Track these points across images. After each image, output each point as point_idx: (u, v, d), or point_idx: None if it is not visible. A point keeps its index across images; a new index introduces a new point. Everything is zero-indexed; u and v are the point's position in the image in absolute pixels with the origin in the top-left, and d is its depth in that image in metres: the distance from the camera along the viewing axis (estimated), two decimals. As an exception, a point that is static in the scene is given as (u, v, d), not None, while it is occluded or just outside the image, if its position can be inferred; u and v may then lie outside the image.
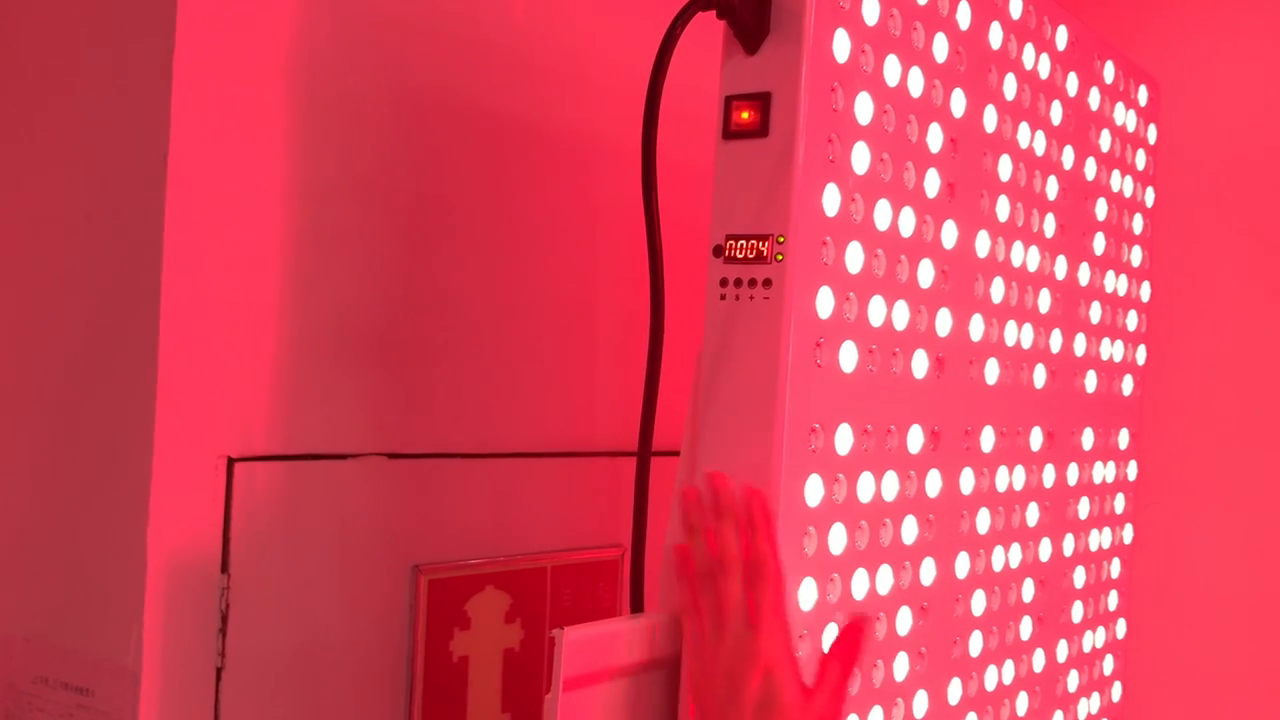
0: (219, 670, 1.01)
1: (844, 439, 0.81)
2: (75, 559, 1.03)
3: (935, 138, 0.89)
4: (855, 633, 0.75)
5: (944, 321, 0.92)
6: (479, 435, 1.21)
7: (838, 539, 0.81)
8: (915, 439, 0.89)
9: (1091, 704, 1.21)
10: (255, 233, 1.03)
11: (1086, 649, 1.19)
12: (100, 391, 1.02)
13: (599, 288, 1.33)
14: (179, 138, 0.97)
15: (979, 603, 0.99)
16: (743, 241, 0.77)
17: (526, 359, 1.26)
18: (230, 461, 1.01)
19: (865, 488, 0.84)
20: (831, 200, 0.78)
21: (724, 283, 0.78)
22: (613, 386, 1.35)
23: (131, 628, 0.97)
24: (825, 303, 0.78)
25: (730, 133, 0.78)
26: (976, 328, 0.96)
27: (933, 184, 0.89)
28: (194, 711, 1.00)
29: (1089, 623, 1.19)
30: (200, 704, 1.00)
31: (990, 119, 0.96)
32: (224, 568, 1.01)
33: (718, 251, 0.78)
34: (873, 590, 0.85)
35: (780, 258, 0.76)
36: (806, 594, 0.78)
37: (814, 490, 0.78)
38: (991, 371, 0.99)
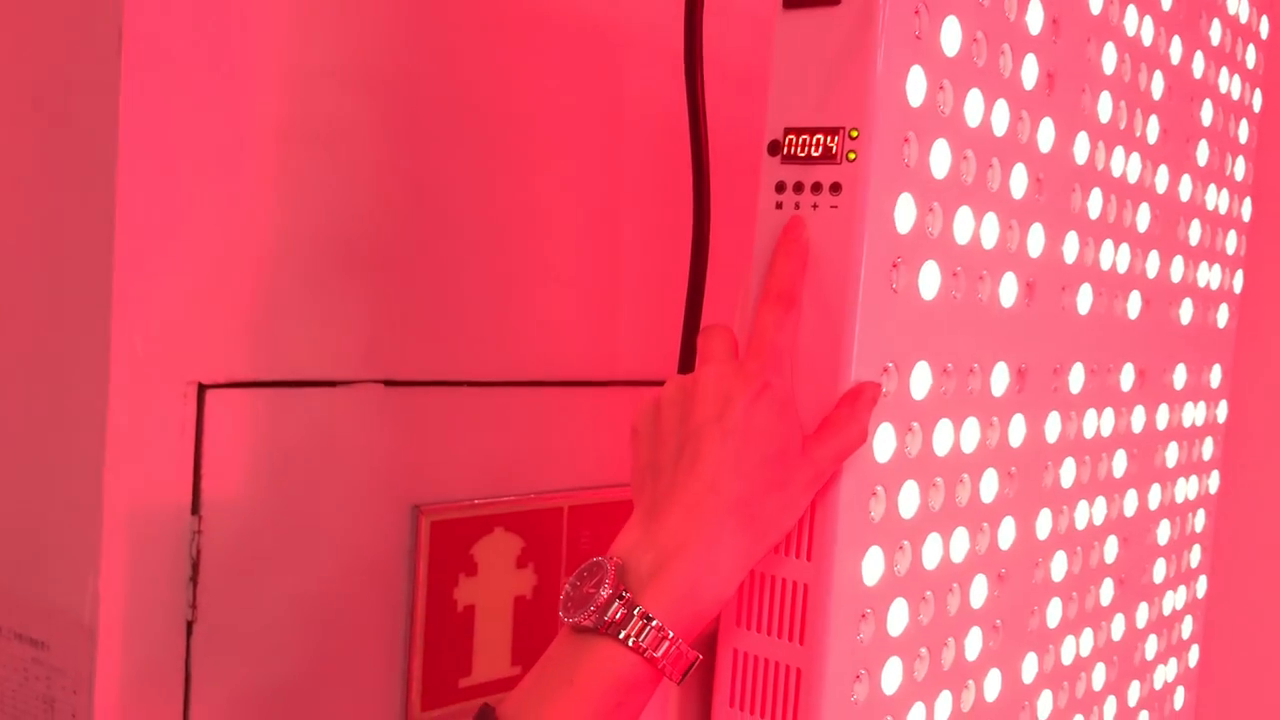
0: (190, 624, 0.89)
1: (921, 380, 0.67)
2: (24, 499, 0.91)
3: (1036, 16, 0.74)
4: (870, 391, 0.62)
5: (1036, 239, 0.77)
6: (487, 361, 1.07)
7: (909, 500, 0.68)
8: (1000, 379, 0.75)
9: (1168, 671, 1.08)
10: (231, 125, 0.88)
11: (1166, 611, 1.06)
12: (46, 308, 0.88)
13: (624, 195, 1.19)
14: (136, 10, 0.82)
15: (1059, 566, 0.86)
16: (806, 136, 0.62)
17: (541, 276, 1.11)
18: (201, 388, 0.88)
19: (943, 438, 0.70)
20: (916, 87, 0.64)
21: (781, 188, 0.63)
22: (638, 308, 1.21)
23: (87, 578, 0.85)
24: (905, 214, 0.64)
25: (793, 0, 0.63)
26: (1071, 247, 0.81)
27: (1030, 72, 0.74)
28: (161, 669, 0.88)
29: (1170, 582, 1.06)
30: (169, 661, 0.89)
31: (1096, -2, 0.81)
32: (194, 509, 0.89)
33: (774, 148, 0.64)
34: (946, 557, 0.72)
35: (853, 156, 0.61)
36: (872, 566, 0.65)
37: (885, 443, 0.65)
38: (1084, 299, 0.84)
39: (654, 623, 0.55)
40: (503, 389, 1.09)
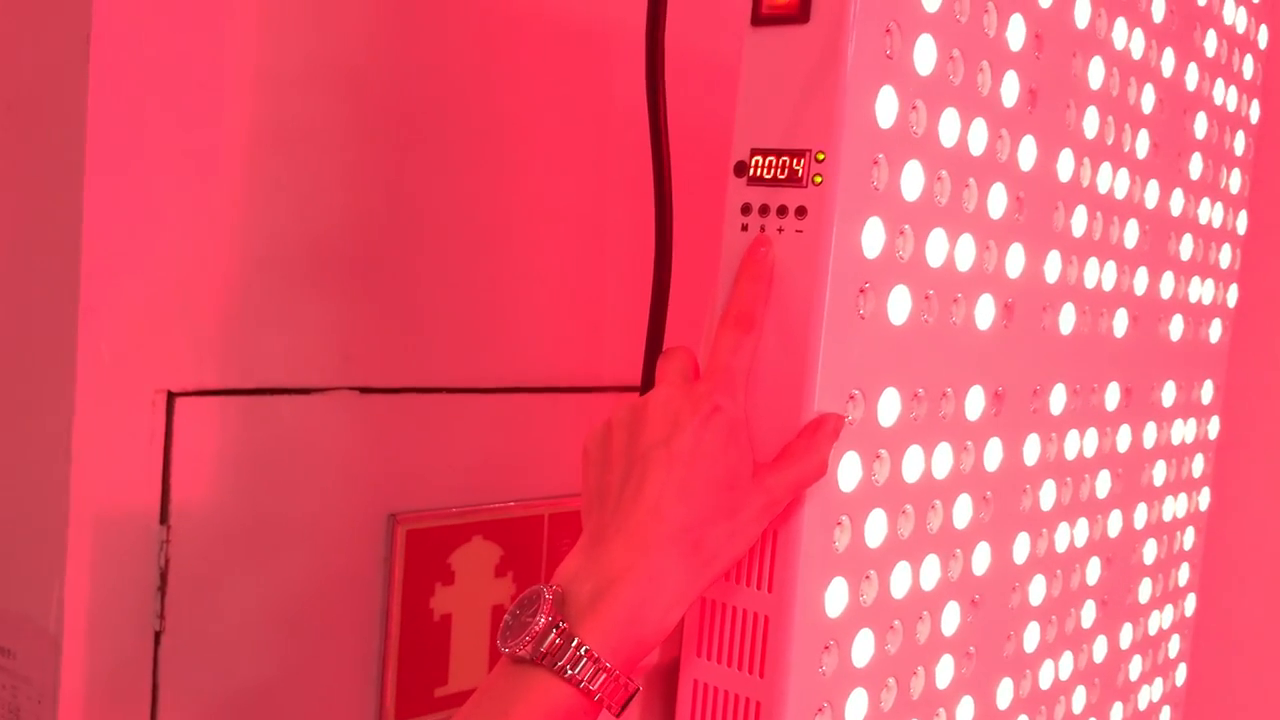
0: (158, 634, 0.88)
1: (889, 407, 0.65)
2: (-10, 504, 0.90)
3: (1017, 32, 0.72)
4: (832, 422, 0.60)
5: (1015, 260, 0.75)
6: (466, 367, 1.06)
7: (876, 528, 0.66)
8: (975, 403, 0.73)
9: (1154, 691, 1.07)
10: (201, 128, 0.87)
11: (1153, 631, 1.05)
12: (11, 313, 0.87)
13: (609, 199, 1.17)
14: (104, 12, 0.81)
15: (1038, 590, 0.84)
16: (771, 158, 0.61)
17: (522, 280, 1.10)
18: (171, 396, 0.87)
19: (913, 465, 0.68)
20: (887, 107, 0.62)
21: (746, 210, 0.62)
22: (622, 313, 1.19)
23: (52, 586, 0.84)
24: (874, 237, 0.62)
25: (761, 17, 0.61)
26: (1053, 267, 0.80)
27: (1010, 90, 0.72)
28: (128, 680, 0.87)
29: (1157, 602, 1.05)
30: (136, 672, 0.88)
31: (1082, 11, 0.79)
32: (163, 519, 0.88)
33: (740, 170, 0.62)
34: (916, 585, 0.70)
35: (819, 180, 0.60)
36: (835, 597, 0.64)
37: (850, 471, 0.63)
38: (1067, 319, 0.82)
39: (591, 653, 0.53)
40: (482, 395, 1.08)
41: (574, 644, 0.53)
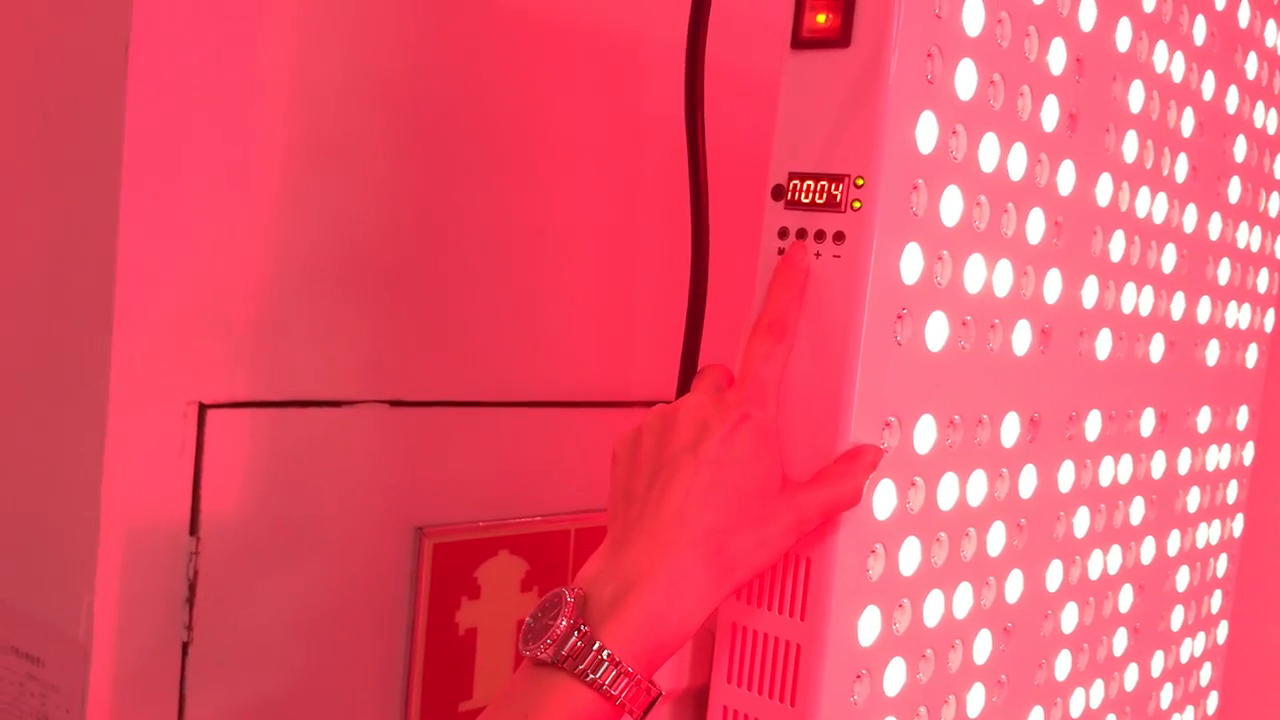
0: (185, 645, 0.88)
1: (925, 434, 0.65)
2: (22, 514, 0.90)
3: (1058, 56, 0.71)
4: (870, 454, 0.60)
5: (1053, 285, 0.75)
6: (495, 381, 1.06)
7: (910, 556, 0.65)
8: (1010, 429, 0.72)
9: (1185, 719, 1.06)
10: (236, 140, 0.87)
11: (1184, 659, 1.03)
12: (46, 324, 0.88)
13: (640, 213, 1.17)
14: (143, 22, 0.81)
15: (1070, 617, 0.83)
16: (810, 182, 0.60)
17: (553, 294, 1.10)
18: (202, 408, 0.87)
19: (948, 492, 0.68)
20: (927, 133, 0.61)
21: (784, 234, 0.62)
22: (653, 327, 1.19)
23: (83, 595, 0.85)
24: (912, 263, 0.62)
25: (802, 40, 0.61)
26: (1090, 292, 0.79)
27: (1050, 114, 0.72)
28: (156, 691, 0.87)
29: (1189, 629, 1.03)
30: (163, 682, 0.88)
31: (1123, 35, 0.78)
32: (193, 530, 0.88)
33: (778, 193, 0.62)
34: (949, 614, 0.70)
35: (858, 205, 0.59)
36: (868, 625, 0.63)
37: (885, 499, 0.63)
38: (1104, 344, 0.82)
39: (613, 657, 0.53)
40: (511, 409, 1.07)
41: (595, 647, 0.53)
